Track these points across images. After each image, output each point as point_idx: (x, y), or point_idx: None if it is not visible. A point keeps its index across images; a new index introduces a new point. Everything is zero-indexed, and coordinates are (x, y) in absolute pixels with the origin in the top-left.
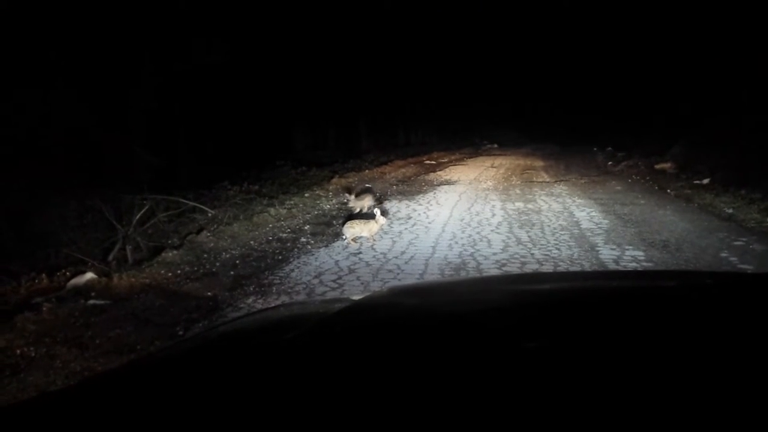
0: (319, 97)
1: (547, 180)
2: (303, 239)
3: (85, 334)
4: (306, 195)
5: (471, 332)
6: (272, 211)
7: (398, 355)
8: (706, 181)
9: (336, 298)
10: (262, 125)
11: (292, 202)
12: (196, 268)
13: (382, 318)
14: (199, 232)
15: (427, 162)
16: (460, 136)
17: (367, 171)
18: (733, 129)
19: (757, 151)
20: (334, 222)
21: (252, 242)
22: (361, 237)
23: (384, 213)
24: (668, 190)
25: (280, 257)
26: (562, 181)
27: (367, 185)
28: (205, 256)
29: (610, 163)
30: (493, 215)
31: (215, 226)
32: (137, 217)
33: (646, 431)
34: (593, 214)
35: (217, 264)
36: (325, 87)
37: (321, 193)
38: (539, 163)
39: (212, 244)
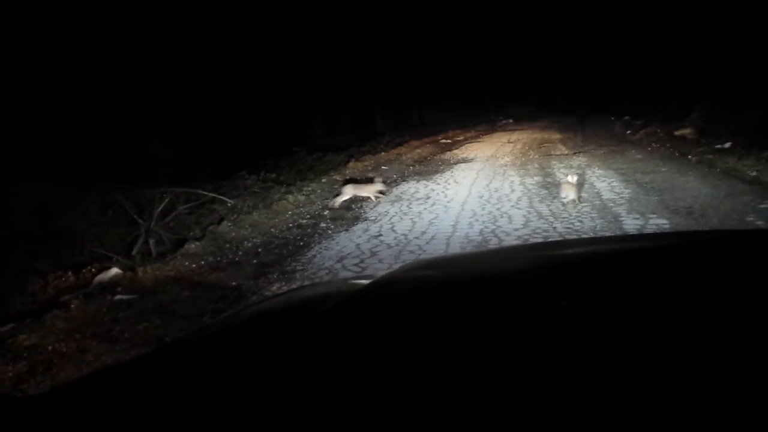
0: (334, 83)
1: (565, 152)
2: (323, 224)
3: (114, 328)
4: (323, 180)
5: (497, 295)
6: (291, 198)
7: (427, 323)
8: (727, 145)
9: (361, 275)
10: (279, 114)
11: (310, 188)
12: (219, 258)
13: (409, 290)
14: (220, 222)
15: (443, 141)
16: (475, 113)
17: (383, 153)
18: (753, 94)
19: None
20: (353, 206)
21: (273, 230)
22: (360, 197)
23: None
24: (689, 156)
25: (301, 243)
26: (580, 152)
27: (384, 167)
28: (227, 245)
29: (628, 131)
30: (513, 190)
31: (235, 215)
32: (158, 210)
33: (668, 386)
34: (614, 183)
35: (240, 253)
36: (340, 72)
37: (338, 178)
38: (556, 136)
39: (233, 234)
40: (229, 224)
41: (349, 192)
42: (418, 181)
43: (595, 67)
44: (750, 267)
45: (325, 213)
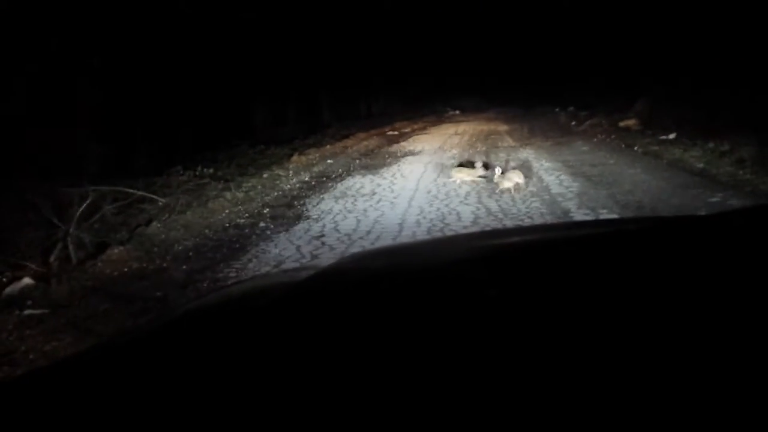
0: (279, 73)
1: (512, 144)
2: (262, 224)
3: (19, 348)
4: (265, 175)
5: (435, 285)
6: (228, 195)
7: (367, 312)
8: (672, 136)
9: (303, 266)
10: (221, 105)
11: (249, 184)
12: (145, 265)
13: (351, 280)
14: (148, 223)
15: (390, 133)
16: (423, 104)
17: (328, 146)
18: (696, 85)
19: (722, 106)
20: (295, 203)
21: (207, 231)
22: (466, 180)
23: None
24: (635, 148)
25: (237, 246)
26: (527, 144)
27: (329, 161)
28: (156, 249)
29: (573, 123)
30: (461, 185)
31: (167, 215)
32: (79, 211)
33: (601, 365)
34: (562, 177)
35: (168, 258)
36: (285, 62)
37: (281, 173)
38: (503, 128)
39: (163, 236)
40: (159, 225)
41: (457, 176)
42: (364, 175)
43: (538, 59)
44: (678, 253)
45: (265, 211)
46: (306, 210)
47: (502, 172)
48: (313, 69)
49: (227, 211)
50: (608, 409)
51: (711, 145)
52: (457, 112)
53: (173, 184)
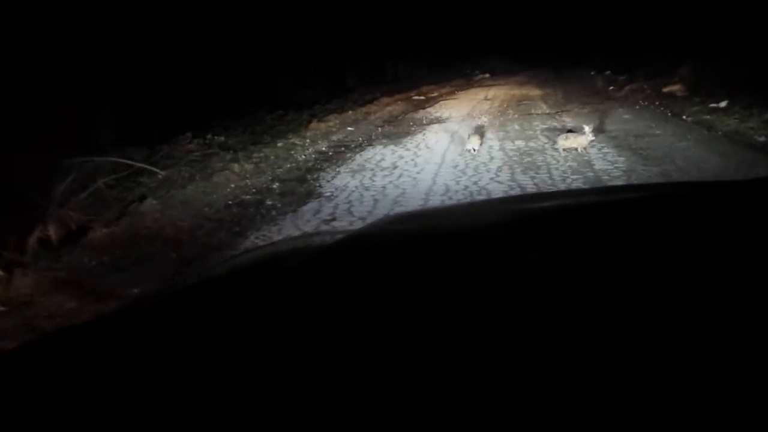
0: (302, 36)
1: (547, 111)
2: (269, 202)
3: None
4: (279, 144)
5: (467, 249)
6: (236, 167)
7: (398, 275)
8: (723, 104)
9: (334, 230)
10: (242, 69)
11: (261, 155)
12: (129, 251)
13: (383, 242)
14: (142, 200)
15: (416, 98)
16: (450, 67)
17: (350, 112)
18: (747, 48)
19: None
20: (309, 177)
21: (207, 209)
22: (572, 148)
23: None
24: (684, 116)
25: (237, 229)
26: (563, 111)
27: (349, 128)
28: (145, 232)
29: (611, 87)
30: (491, 158)
31: (165, 190)
32: (62, 187)
33: (636, 334)
34: (606, 150)
35: (158, 243)
36: (308, 23)
37: (297, 142)
38: (536, 92)
39: (157, 215)
40: (155, 202)
41: (562, 144)
42: (385, 145)
43: (573, 19)
44: (723, 218)
45: (274, 186)
46: (319, 186)
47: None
48: (338, 30)
49: (233, 185)
50: (656, 383)
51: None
52: (487, 75)
53: (177, 155)
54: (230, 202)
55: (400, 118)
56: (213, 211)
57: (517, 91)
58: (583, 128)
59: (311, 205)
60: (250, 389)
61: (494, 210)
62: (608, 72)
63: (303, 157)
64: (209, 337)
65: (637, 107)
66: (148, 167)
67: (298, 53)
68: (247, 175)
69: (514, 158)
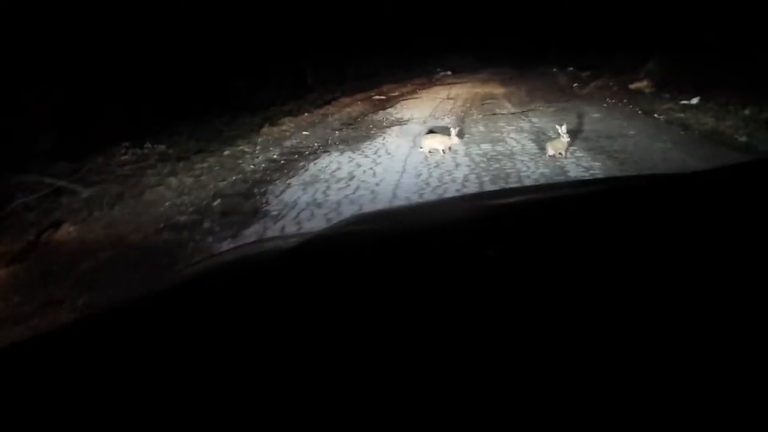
0: (262, 36)
1: (512, 111)
2: (206, 224)
3: None
4: (226, 153)
5: (432, 247)
6: (173, 181)
7: (366, 275)
8: (695, 100)
9: (299, 233)
10: (198, 70)
11: (205, 165)
12: (33, 295)
13: (349, 243)
14: (57, 226)
15: (377, 97)
16: (413, 65)
17: (306, 114)
18: (716, 42)
19: (748, 66)
20: (255, 191)
21: (133, 235)
22: (436, 149)
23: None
24: (656, 114)
25: (164, 261)
26: (528, 110)
27: (305, 132)
28: (56, 268)
29: (575, 84)
30: (457, 165)
31: (88, 212)
32: None
33: (594, 324)
34: (578, 154)
35: (69, 282)
36: (268, 23)
37: (246, 149)
38: (499, 90)
39: (74, 245)
40: (72, 228)
41: (427, 145)
42: (342, 152)
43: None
44: (686, 208)
45: (215, 204)
46: (266, 202)
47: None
48: (299, 28)
49: (168, 203)
50: (615, 379)
51: (747, 111)
52: (449, 72)
53: (110, 168)
54: (161, 226)
55: (359, 119)
56: (140, 238)
57: (480, 90)
58: (557, 130)
59: (255, 228)
60: (227, 387)
61: (458, 207)
62: (571, 68)
63: (251, 166)
64: (179, 353)
65: (605, 105)
66: (69, 186)
67: (257, 52)
68: (186, 191)
69: (482, 165)
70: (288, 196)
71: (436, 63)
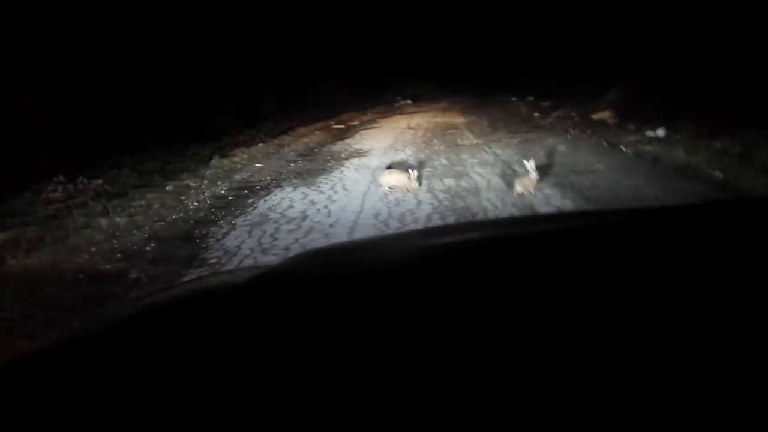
0: (220, 62)
1: (474, 142)
2: (133, 274)
3: None
4: (168, 188)
5: (387, 287)
6: (104, 222)
7: (305, 320)
8: (660, 132)
9: (252, 266)
10: (152, 97)
11: (142, 203)
12: None
13: (296, 282)
14: None
15: (336, 126)
16: (373, 92)
17: (260, 144)
18: (681, 71)
19: (711, 93)
20: (195, 233)
21: (47, 288)
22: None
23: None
24: (622, 147)
25: (74, 323)
26: (491, 141)
27: (257, 165)
28: None
29: (536, 114)
30: (419, 203)
31: None
32: None
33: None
34: (547, 191)
35: None
36: (226, 49)
37: (192, 183)
38: (460, 120)
39: None
40: None
41: (386, 182)
42: (296, 187)
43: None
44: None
45: (148, 249)
46: (205, 247)
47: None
48: (257, 57)
49: (93, 248)
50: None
51: (718, 144)
52: (409, 101)
53: (32, 208)
54: (81, 277)
55: (316, 150)
56: (53, 291)
57: (441, 119)
58: (525, 166)
59: (188, 280)
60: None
61: (422, 241)
62: (531, 98)
63: (195, 204)
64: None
65: (569, 136)
66: None
67: (216, 77)
68: (117, 233)
69: (446, 203)
70: (231, 240)
71: (397, 91)
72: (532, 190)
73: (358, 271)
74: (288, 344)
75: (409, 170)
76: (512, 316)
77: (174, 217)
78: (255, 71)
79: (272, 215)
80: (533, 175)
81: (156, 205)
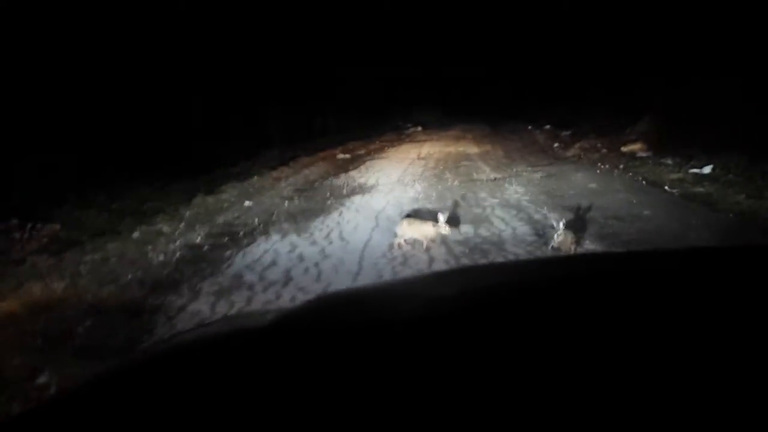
0: (223, 85)
1: (491, 176)
2: (43, 378)
3: None
4: (135, 235)
5: (387, 346)
6: (36, 288)
7: (313, 372)
8: (707, 169)
9: (269, 310)
10: (150, 125)
11: (96, 257)
12: None
13: (308, 334)
14: None
15: (341, 156)
16: (381, 119)
17: (255, 177)
18: (723, 96)
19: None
20: (148, 303)
21: None
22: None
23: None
24: (666, 187)
25: None
26: (511, 176)
27: (247, 203)
28: None
29: (556, 144)
30: (431, 261)
31: None
32: None
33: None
34: (588, 246)
35: None
36: (231, 73)
37: (165, 228)
38: (474, 150)
39: None
40: None
41: (405, 233)
42: (285, 234)
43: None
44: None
45: (80, 330)
46: (152, 325)
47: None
48: (263, 82)
49: (11, 328)
50: None
51: None
52: (419, 128)
53: None
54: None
55: (317, 185)
56: None
57: (453, 149)
58: (555, 226)
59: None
60: None
61: (442, 286)
62: (547, 126)
63: (161, 257)
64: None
65: (598, 171)
66: None
67: (216, 103)
68: (49, 303)
69: (464, 260)
70: (187, 317)
71: (406, 117)
72: (571, 248)
73: (368, 322)
74: (301, 391)
75: (439, 215)
76: (509, 374)
77: (129, 277)
78: (259, 97)
79: (248, 277)
80: (569, 236)
81: (113, 260)
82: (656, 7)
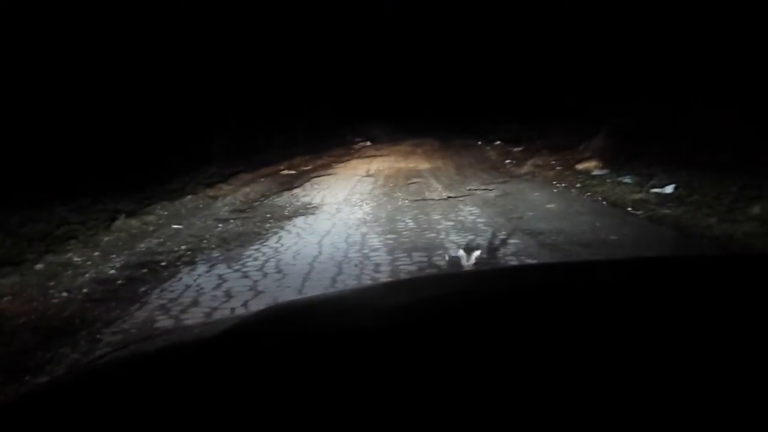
0: (165, 105)
1: (444, 195)
2: None
3: None
4: (39, 266)
5: (337, 356)
6: None
7: (264, 381)
8: (669, 188)
9: (222, 319)
10: (71, 137)
11: None
12: None
13: (257, 342)
14: None
15: (285, 172)
16: (330, 133)
17: (189, 197)
18: (681, 114)
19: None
20: (38, 355)
21: None
22: None
23: None
24: (629, 208)
25: None
26: (465, 195)
27: (175, 226)
28: None
29: (508, 161)
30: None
31: None
32: None
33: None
34: None
35: None
36: (171, 90)
37: (76, 258)
38: (425, 165)
39: None
40: None
41: None
42: (213, 265)
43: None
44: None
45: None
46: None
47: None
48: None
49: None
50: None
51: (756, 209)
52: (368, 143)
53: None
54: None
55: (256, 204)
56: None
57: (403, 164)
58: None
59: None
60: None
61: (387, 302)
62: (498, 142)
63: (63, 295)
64: None
65: (555, 190)
66: None
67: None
68: None
69: None
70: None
71: (356, 131)
72: None
73: (320, 331)
74: (246, 402)
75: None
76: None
77: (20, 322)
78: (203, 112)
79: (162, 321)
80: None
81: (5, 299)
82: (610, 27)
